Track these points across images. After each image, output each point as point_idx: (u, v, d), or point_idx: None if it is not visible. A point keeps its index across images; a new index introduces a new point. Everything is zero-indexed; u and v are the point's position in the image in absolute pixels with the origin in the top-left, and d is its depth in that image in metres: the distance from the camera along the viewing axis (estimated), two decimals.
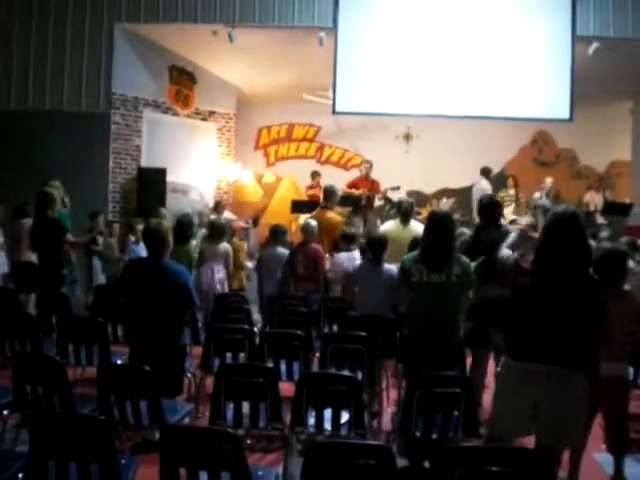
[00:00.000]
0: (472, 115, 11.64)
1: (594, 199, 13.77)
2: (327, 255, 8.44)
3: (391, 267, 6.64)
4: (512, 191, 13.37)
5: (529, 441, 4.00)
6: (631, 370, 5.58)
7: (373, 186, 12.42)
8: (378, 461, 3.06)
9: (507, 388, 3.97)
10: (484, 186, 12.90)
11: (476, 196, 12.81)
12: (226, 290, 8.28)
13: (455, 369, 4.98)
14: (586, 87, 11.42)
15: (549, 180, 13.28)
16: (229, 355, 5.73)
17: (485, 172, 13.02)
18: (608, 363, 4.84)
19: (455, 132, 14.19)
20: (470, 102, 11.24)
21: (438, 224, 5.22)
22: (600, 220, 12.61)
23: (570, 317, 3.80)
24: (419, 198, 14.03)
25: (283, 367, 5.54)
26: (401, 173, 13.83)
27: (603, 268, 4.92)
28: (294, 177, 15.69)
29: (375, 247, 6.85)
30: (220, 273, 8.25)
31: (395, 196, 11.95)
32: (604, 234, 9.24)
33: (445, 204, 12.76)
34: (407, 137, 15.84)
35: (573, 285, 3.82)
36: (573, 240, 3.86)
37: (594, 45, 10.98)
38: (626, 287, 5.42)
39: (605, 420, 5.02)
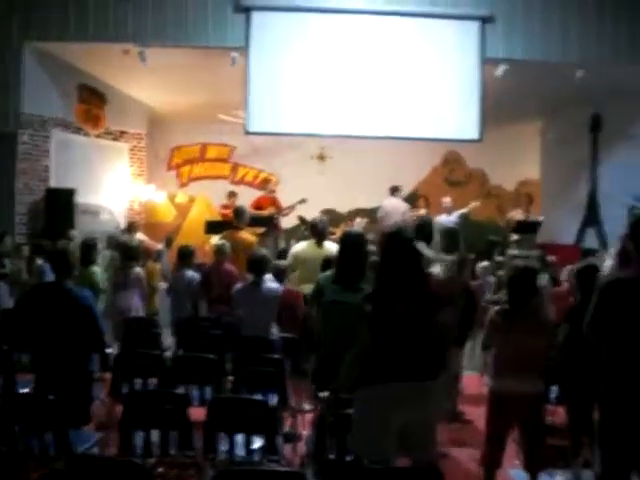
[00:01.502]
0: (384, 136, 11.72)
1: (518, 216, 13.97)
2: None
3: (273, 286, 6.67)
4: (423, 211, 13.52)
5: None
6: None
7: (275, 204, 12.47)
8: None
9: (370, 415, 3.84)
10: (396, 204, 13.06)
11: (383, 214, 13.01)
12: (140, 314, 8.08)
13: None
14: (495, 108, 11.66)
15: (447, 200, 13.54)
16: (139, 381, 5.58)
17: (393, 190, 13.19)
18: (523, 379, 4.92)
19: (368, 152, 14.30)
20: (382, 123, 11.32)
21: (351, 245, 5.21)
22: (513, 238, 12.86)
23: (422, 333, 3.79)
24: (333, 218, 14.04)
25: (195, 392, 5.43)
26: (315, 193, 13.83)
27: (515, 286, 4.99)
28: (208, 197, 15.55)
29: (256, 268, 6.79)
30: (135, 298, 8.05)
31: (309, 215, 11.96)
32: (514, 252, 9.44)
33: (359, 224, 12.80)
34: (321, 157, 15.89)
35: (414, 303, 3.81)
36: (404, 258, 3.85)
37: (502, 67, 11.22)
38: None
39: (521, 436, 5.07)
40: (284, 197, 13.48)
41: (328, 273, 5.28)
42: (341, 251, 5.29)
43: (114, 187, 13.45)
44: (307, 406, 6.05)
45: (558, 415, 6.16)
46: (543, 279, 7.74)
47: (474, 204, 13.78)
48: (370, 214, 14.22)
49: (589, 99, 12.78)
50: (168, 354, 6.66)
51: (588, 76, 11.21)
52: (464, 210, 13.56)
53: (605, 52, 11.18)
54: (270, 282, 7.03)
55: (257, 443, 4.29)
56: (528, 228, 12.80)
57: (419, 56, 11.22)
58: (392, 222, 11.67)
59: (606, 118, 13.21)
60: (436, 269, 6.21)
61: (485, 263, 9.40)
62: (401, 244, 3.89)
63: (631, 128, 12.60)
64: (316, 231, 8.10)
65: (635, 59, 11.22)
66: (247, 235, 9.25)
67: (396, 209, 13.06)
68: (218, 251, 8.30)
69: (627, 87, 12.03)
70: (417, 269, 3.92)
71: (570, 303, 5.79)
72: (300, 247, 8.30)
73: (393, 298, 3.80)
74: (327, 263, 6.26)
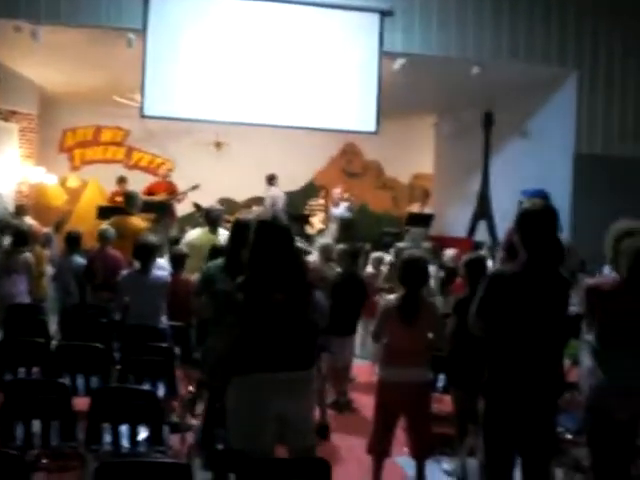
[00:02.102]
0: (282, 125, 11.69)
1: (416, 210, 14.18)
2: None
3: (161, 274, 6.57)
4: (322, 201, 13.60)
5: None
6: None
7: (170, 189, 12.29)
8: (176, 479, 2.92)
9: (246, 405, 3.77)
10: (277, 193, 13.14)
11: (269, 203, 13.06)
12: (27, 301, 7.79)
13: None
14: (393, 101, 11.78)
15: (336, 191, 13.67)
16: (23, 370, 5.38)
17: (270, 179, 13.25)
18: (411, 369, 4.99)
19: (266, 141, 14.27)
20: (280, 111, 11.26)
21: (240, 233, 5.13)
22: (407, 230, 13.05)
23: (298, 322, 3.80)
24: (230, 206, 13.94)
25: (81, 381, 5.27)
26: (212, 180, 13.72)
27: (405, 275, 5.05)
28: (101, 182, 15.14)
29: (141, 254, 6.65)
30: (22, 284, 7.75)
31: (205, 203, 11.85)
32: (403, 244, 9.57)
33: (255, 212, 12.75)
34: (218, 144, 15.73)
35: (292, 292, 3.81)
36: (278, 245, 3.84)
37: (400, 61, 11.34)
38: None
39: (408, 424, 5.14)
40: (179, 183, 13.29)
41: (218, 261, 5.20)
42: (231, 239, 5.22)
43: (2, 169, 12.94)
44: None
45: (445, 404, 6.30)
46: (432, 270, 7.91)
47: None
48: None
49: (483, 96, 13.09)
50: (54, 342, 6.46)
51: (483, 73, 11.45)
52: None
53: (502, 49, 11.42)
54: (158, 269, 6.89)
55: (142, 434, 4.19)
56: (421, 221, 13.03)
57: (319, 46, 11.21)
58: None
59: (498, 114, 13.56)
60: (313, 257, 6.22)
61: (378, 253, 9.50)
62: (274, 232, 3.83)
63: (522, 125, 12.97)
64: (210, 218, 8.01)
65: (531, 57, 11.54)
66: (137, 221, 9.05)
67: (277, 198, 13.16)
68: (101, 236, 8.13)
69: (519, 85, 12.39)
70: (292, 257, 3.87)
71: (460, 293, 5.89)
72: (194, 234, 8.19)
73: (269, 287, 3.74)
74: (215, 251, 6.14)
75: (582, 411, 4.29)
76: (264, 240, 3.81)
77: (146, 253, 6.58)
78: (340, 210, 13.19)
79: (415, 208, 13.65)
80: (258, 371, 3.71)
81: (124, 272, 6.99)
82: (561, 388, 4.09)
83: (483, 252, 8.70)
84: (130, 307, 6.57)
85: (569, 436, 5.11)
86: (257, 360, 3.72)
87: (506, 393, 3.68)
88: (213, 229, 7.94)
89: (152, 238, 7.06)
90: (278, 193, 13.34)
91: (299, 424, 3.75)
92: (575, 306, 6.31)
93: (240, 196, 15.49)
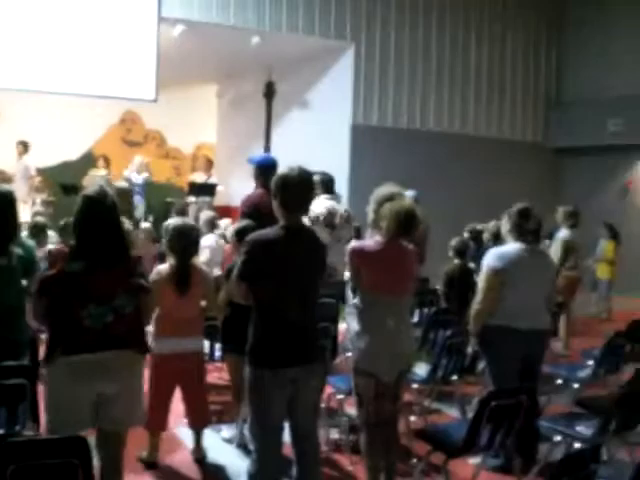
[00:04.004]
0: (57, 92, 11.21)
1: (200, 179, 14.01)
2: None
3: None
4: (104, 171, 13.12)
5: None
6: (207, 344, 5.74)
7: None
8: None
9: (64, 386, 3.64)
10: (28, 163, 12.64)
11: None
12: None
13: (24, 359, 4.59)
14: (173, 69, 11.60)
15: (138, 158, 13.35)
16: None
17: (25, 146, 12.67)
18: (183, 339, 4.94)
19: (44, 109, 13.57)
20: (56, 78, 10.75)
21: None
22: (190, 199, 12.90)
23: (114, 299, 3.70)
24: (3, 178, 13.10)
25: None
26: None
27: (175, 245, 4.97)
28: None
29: None
30: None
31: None
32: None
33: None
34: None
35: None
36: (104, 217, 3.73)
37: (180, 27, 11.14)
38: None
39: (184, 395, 5.10)
40: None
41: None
42: None
43: None
44: None
45: (223, 372, 6.32)
46: (208, 239, 7.91)
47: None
48: (44, 173, 13.49)
49: (264, 65, 13.18)
50: None
51: (263, 43, 11.52)
52: None
53: (281, 22, 11.52)
54: None
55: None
56: (204, 190, 12.94)
57: (97, 10, 10.78)
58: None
59: (279, 84, 13.69)
60: None
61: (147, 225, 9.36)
62: (97, 204, 3.67)
63: (302, 95, 13.18)
64: None
65: (310, 30, 11.72)
66: None
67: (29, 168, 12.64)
68: None
69: (299, 56, 12.57)
70: (116, 233, 3.72)
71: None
72: None
73: (93, 262, 3.59)
74: None
75: (352, 373, 4.44)
76: (93, 216, 3.67)
77: None
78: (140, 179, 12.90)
79: (199, 178, 13.51)
80: (70, 353, 3.59)
81: None
82: (321, 350, 4.22)
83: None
84: None
85: (341, 397, 5.28)
86: (71, 342, 3.61)
87: (268, 358, 3.72)
88: None
89: None
90: (29, 163, 12.77)
91: (118, 405, 3.68)
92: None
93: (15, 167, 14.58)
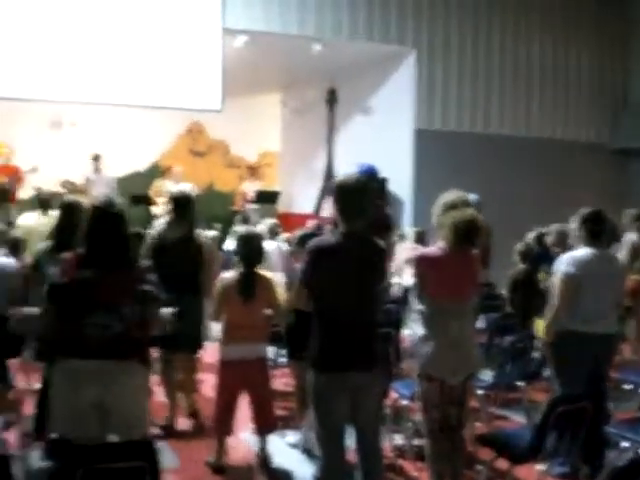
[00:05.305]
0: (125, 104, 11.48)
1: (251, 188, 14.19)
2: None
3: (6, 261, 6.26)
4: (169, 181, 13.33)
5: None
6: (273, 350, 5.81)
7: (11, 172, 11.78)
8: None
9: (65, 388, 3.66)
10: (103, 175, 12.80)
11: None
12: None
13: None
14: (236, 79, 11.73)
15: (177, 169, 13.50)
16: None
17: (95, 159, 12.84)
18: (249, 345, 5.01)
19: (111, 121, 13.90)
20: (123, 90, 10.98)
21: (71, 214, 5.01)
22: (252, 207, 13.04)
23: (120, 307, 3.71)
24: (73, 188, 13.45)
25: None
26: (54, 162, 13.24)
27: (242, 252, 5.06)
28: None
29: None
30: None
31: (44, 184, 11.47)
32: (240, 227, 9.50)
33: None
34: (61, 124, 15.09)
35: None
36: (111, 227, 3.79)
37: (242, 38, 11.28)
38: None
39: (251, 401, 5.17)
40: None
41: (46, 244, 5.03)
42: (60, 221, 5.08)
43: None
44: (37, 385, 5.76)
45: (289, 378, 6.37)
46: (270, 246, 7.94)
47: None
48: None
49: (325, 73, 13.24)
50: None
51: (324, 50, 11.58)
52: None
53: (342, 28, 11.57)
54: (3, 257, 6.52)
55: None
56: (267, 198, 13.06)
57: (161, 23, 10.99)
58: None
59: (341, 91, 13.74)
60: None
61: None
62: (105, 215, 3.75)
63: (364, 101, 13.19)
64: (42, 200, 7.79)
65: (371, 36, 11.74)
66: None
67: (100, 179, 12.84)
68: None
69: (361, 62, 12.60)
70: (122, 241, 3.79)
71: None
72: (26, 217, 7.93)
73: (101, 271, 3.65)
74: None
75: (416, 378, 4.44)
76: (99, 224, 3.73)
77: None
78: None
79: (255, 186, 13.69)
80: (67, 357, 3.62)
81: None
82: (382, 355, 4.23)
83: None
84: None
85: (405, 402, 5.28)
86: (67, 346, 3.63)
87: (330, 363, 3.75)
88: (45, 211, 7.70)
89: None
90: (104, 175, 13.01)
91: (122, 414, 3.65)
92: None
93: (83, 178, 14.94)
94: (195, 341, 5.87)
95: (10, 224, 8.83)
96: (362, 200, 3.85)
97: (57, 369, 3.67)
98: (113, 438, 3.67)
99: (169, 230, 5.86)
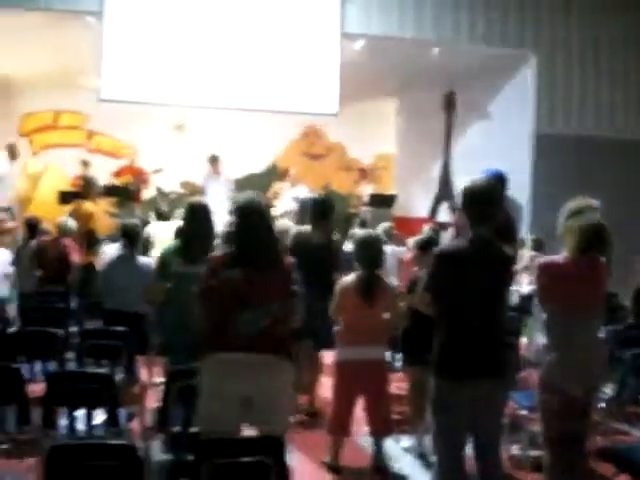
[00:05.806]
0: (243, 108, 11.68)
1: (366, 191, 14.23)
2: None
3: (147, 260, 6.47)
4: (288, 183, 13.53)
5: None
6: (389, 354, 5.81)
7: (136, 172, 12.20)
8: (122, 461, 2.91)
9: (214, 381, 3.77)
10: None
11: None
12: None
13: None
14: (353, 83, 11.79)
15: (293, 171, 13.60)
16: None
17: (213, 160, 12.89)
18: (368, 348, 5.04)
19: (228, 124, 14.20)
20: (241, 95, 11.23)
21: (196, 215, 5.16)
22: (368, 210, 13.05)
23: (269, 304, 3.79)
24: (193, 190, 13.84)
25: (38, 367, 5.26)
26: (175, 163, 13.66)
27: (361, 255, 5.10)
28: (61, 166, 14.91)
29: (129, 238, 6.54)
30: None
31: (167, 185, 11.87)
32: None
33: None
34: (181, 127, 15.56)
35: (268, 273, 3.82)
36: (259, 226, 3.86)
37: (360, 42, 11.34)
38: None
39: (367, 403, 5.20)
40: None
41: (172, 245, 5.21)
42: (186, 222, 5.23)
43: None
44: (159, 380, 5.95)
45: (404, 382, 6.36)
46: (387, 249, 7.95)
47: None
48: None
49: (444, 77, 13.12)
50: (14, 328, 6.42)
51: (443, 54, 11.52)
52: None
53: (460, 32, 11.47)
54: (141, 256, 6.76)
55: (99, 417, 4.19)
56: (383, 202, 13.04)
57: (279, 28, 11.18)
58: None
59: (459, 96, 13.60)
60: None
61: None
62: (253, 214, 3.84)
63: (483, 106, 13.02)
64: (159, 213, 8.04)
65: (490, 40, 11.60)
66: (89, 205, 9.02)
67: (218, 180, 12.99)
68: (59, 228, 8.07)
69: (479, 66, 12.44)
70: (271, 240, 3.89)
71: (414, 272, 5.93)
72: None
73: (250, 269, 3.75)
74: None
75: (537, 388, 4.36)
76: (244, 222, 3.84)
77: (132, 237, 6.48)
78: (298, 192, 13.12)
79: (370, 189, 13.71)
80: (219, 351, 3.72)
81: (106, 256, 6.91)
82: (508, 363, 4.16)
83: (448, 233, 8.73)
84: (108, 292, 6.44)
85: (524, 412, 5.20)
86: (219, 340, 3.74)
87: (453, 370, 3.73)
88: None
89: (135, 222, 6.97)
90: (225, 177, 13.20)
91: (265, 408, 3.71)
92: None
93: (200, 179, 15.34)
94: (327, 339, 5.93)
95: (146, 224, 9.12)
96: (490, 205, 3.83)
97: (206, 363, 3.78)
98: (248, 433, 3.76)
99: (313, 232, 6.20)
